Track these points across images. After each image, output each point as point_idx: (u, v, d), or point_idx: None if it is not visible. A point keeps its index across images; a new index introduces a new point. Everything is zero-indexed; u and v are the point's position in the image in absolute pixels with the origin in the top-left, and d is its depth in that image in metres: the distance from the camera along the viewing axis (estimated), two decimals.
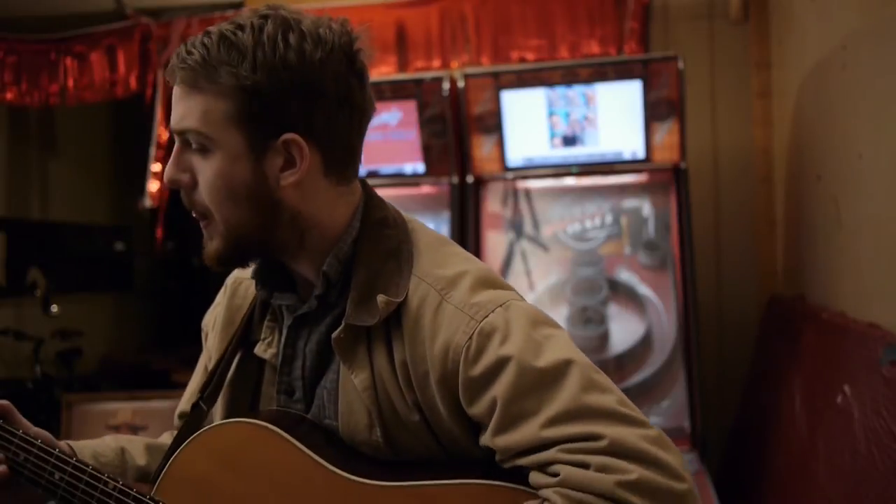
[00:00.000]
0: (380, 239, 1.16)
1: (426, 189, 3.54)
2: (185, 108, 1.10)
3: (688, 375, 3.06)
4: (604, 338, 3.24)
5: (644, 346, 3.20)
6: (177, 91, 1.11)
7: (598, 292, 3.29)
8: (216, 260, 1.14)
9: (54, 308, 4.68)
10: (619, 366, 3.21)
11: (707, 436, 3.04)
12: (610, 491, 0.94)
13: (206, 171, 1.10)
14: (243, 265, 1.19)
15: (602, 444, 0.96)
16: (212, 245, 1.13)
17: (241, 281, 1.29)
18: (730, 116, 3.76)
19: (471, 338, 1.04)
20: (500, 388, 1.02)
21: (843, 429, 2.17)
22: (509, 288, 1.14)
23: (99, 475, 1.14)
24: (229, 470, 1.13)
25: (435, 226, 3.48)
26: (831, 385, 2.34)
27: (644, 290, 3.26)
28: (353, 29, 1.13)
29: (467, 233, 3.37)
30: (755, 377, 3.43)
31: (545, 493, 0.98)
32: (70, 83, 4.17)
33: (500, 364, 1.02)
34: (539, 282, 3.36)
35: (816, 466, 2.34)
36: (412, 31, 3.82)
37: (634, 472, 0.95)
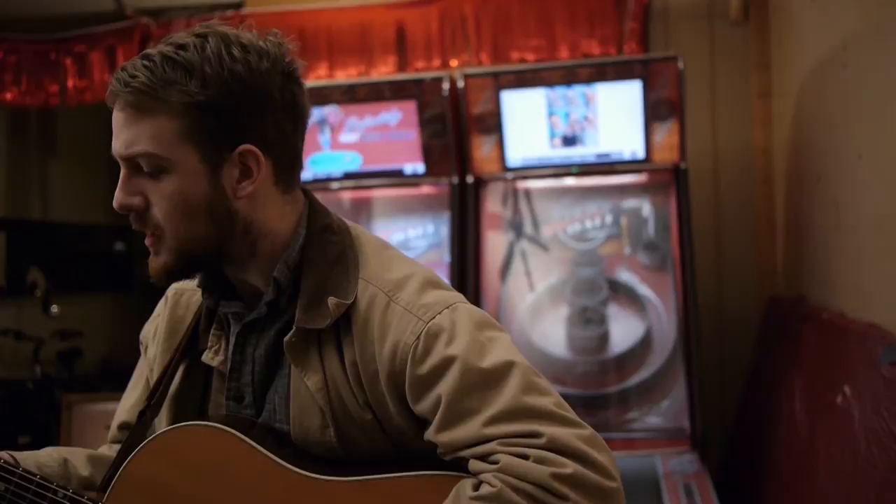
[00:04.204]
0: (326, 245, 1.18)
1: (426, 189, 3.54)
2: (132, 134, 1.10)
3: (688, 375, 3.06)
4: (604, 338, 3.24)
5: (644, 346, 3.20)
6: (120, 117, 1.11)
7: (598, 292, 3.29)
8: (164, 274, 1.15)
9: (54, 308, 4.68)
10: (619, 366, 3.21)
11: (707, 436, 3.04)
12: (545, 481, 0.99)
13: (163, 191, 1.11)
14: (191, 277, 1.20)
15: (541, 440, 1.02)
16: (158, 260, 1.14)
17: (183, 292, 1.30)
18: (730, 116, 3.76)
19: (418, 338, 1.08)
20: (444, 387, 1.06)
21: (843, 429, 2.17)
22: (453, 290, 1.17)
23: (47, 484, 1.13)
24: (184, 472, 1.13)
25: (435, 226, 3.48)
26: (831, 385, 2.34)
27: (644, 290, 3.26)
28: (285, 40, 1.16)
29: (467, 233, 3.37)
30: (755, 377, 3.43)
31: (484, 476, 1.03)
32: (70, 83, 4.17)
33: (446, 364, 1.06)
34: (539, 282, 3.36)
35: (816, 466, 2.34)
36: (412, 31, 3.82)
37: (570, 466, 1.00)
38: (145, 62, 1.09)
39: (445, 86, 3.30)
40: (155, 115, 1.08)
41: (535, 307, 3.34)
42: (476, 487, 1.03)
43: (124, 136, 1.11)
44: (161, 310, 1.32)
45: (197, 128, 1.09)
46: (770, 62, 3.66)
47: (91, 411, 3.51)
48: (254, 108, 1.11)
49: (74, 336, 4.87)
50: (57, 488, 1.13)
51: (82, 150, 5.70)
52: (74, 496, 1.13)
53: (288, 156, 1.17)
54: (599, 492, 1.00)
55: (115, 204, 1.13)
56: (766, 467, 2.85)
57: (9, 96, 4.25)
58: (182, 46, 1.10)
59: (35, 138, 5.41)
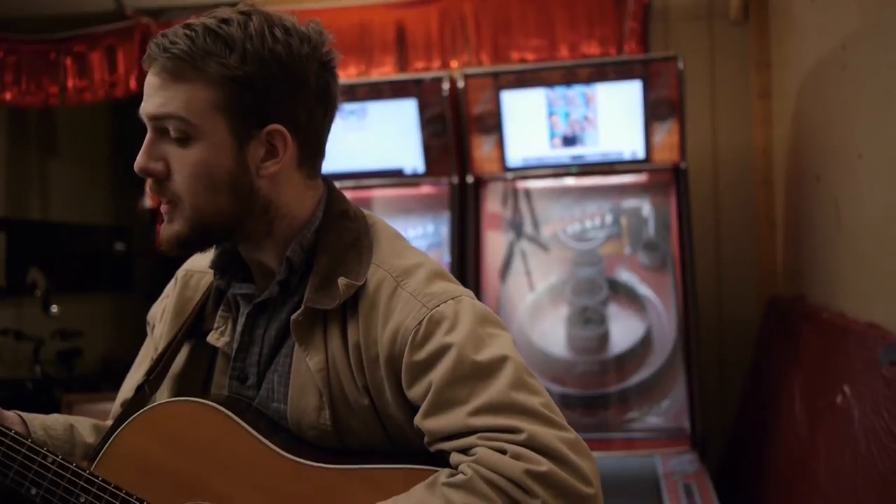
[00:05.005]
0: (341, 229, 1.19)
1: (426, 189, 3.54)
2: (166, 96, 1.10)
3: (688, 375, 3.06)
4: (604, 338, 3.24)
5: (644, 346, 3.20)
6: (155, 80, 1.11)
7: (598, 292, 3.29)
8: (177, 243, 1.14)
9: (54, 308, 4.68)
10: (619, 366, 3.21)
11: (707, 436, 3.04)
12: (518, 476, 0.99)
13: (186, 159, 1.11)
14: (202, 250, 1.20)
15: (520, 437, 1.02)
16: (172, 228, 1.14)
17: (193, 273, 1.30)
18: (730, 116, 3.76)
19: (420, 323, 1.09)
20: (437, 374, 1.07)
21: (843, 429, 2.17)
22: (460, 285, 1.19)
23: (38, 448, 1.13)
24: (173, 447, 1.13)
25: (435, 226, 3.48)
26: (831, 385, 2.34)
27: (644, 290, 3.26)
28: (326, 30, 1.17)
29: (467, 233, 3.37)
30: (755, 377, 3.43)
31: (461, 467, 1.04)
32: (70, 83, 4.17)
33: (442, 351, 1.07)
34: (539, 282, 3.36)
35: (816, 466, 2.34)
36: (412, 31, 3.82)
37: (545, 465, 1.00)
38: (187, 31, 1.10)
39: (445, 86, 3.30)
40: (191, 82, 1.09)
41: (535, 307, 3.34)
42: (451, 475, 1.04)
43: (157, 98, 1.10)
44: (170, 290, 1.33)
45: (230, 101, 1.09)
46: (770, 62, 3.66)
47: (91, 411, 3.51)
48: (288, 91, 1.12)
49: (74, 336, 4.87)
50: (47, 453, 1.13)
51: (82, 150, 5.71)
52: (63, 462, 1.13)
53: (314, 142, 1.18)
54: (573, 495, 1.00)
55: (136, 167, 1.13)
56: (766, 467, 2.85)
57: (9, 96, 4.25)
58: (225, 20, 1.10)
59: (35, 138, 5.40)
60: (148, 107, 1.11)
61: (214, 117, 1.10)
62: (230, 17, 1.11)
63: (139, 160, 1.12)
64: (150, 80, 1.11)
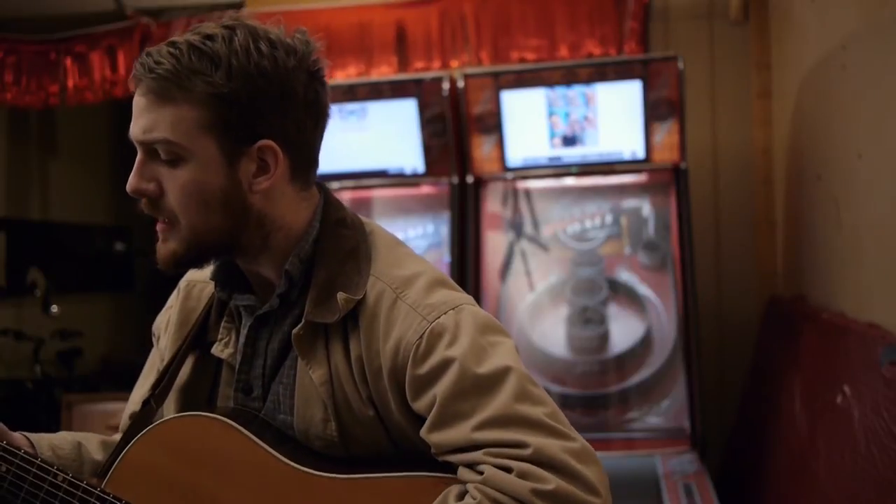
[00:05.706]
0: (339, 239, 1.18)
1: (426, 189, 3.54)
2: (152, 119, 1.09)
3: (688, 375, 3.06)
4: (604, 338, 3.24)
5: (644, 346, 3.20)
6: (141, 101, 1.10)
7: (598, 292, 3.29)
8: (173, 262, 1.14)
9: (54, 308, 4.69)
10: (619, 366, 3.21)
11: (707, 436, 3.04)
12: (525, 496, 0.99)
13: (178, 180, 1.10)
14: (199, 267, 1.20)
15: (526, 451, 1.01)
16: (167, 247, 1.14)
17: (195, 283, 1.30)
18: (730, 116, 3.76)
19: (421, 337, 1.09)
20: (440, 388, 1.07)
21: (843, 429, 2.17)
22: (461, 291, 1.18)
23: (48, 467, 1.13)
24: (183, 462, 1.14)
25: (435, 226, 3.48)
26: (831, 385, 2.34)
27: (644, 290, 3.26)
28: (312, 38, 1.16)
29: (467, 233, 3.37)
30: (755, 377, 3.43)
31: (469, 486, 1.04)
32: (70, 83, 4.18)
33: (445, 365, 1.07)
34: (539, 282, 3.36)
35: (816, 466, 2.34)
36: (412, 31, 3.82)
37: (552, 482, 1.00)
38: (171, 49, 1.09)
39: (445, 86, 3.30)
40: (177, 102, 1.08)
41: (535, 307, 3.34)
42: (460, 496, 1.04)
43: (143, 120, 1.10)
44: (173, 301, 1.33)
45: (218, 119, 1.09)
46: (770, 62, 3.66)
47: (91, 411, 3.51)
48: (276, 105, 1.11)
49: (74, 336, 4.87)
50: (57, 472, 1.13)
51: (82, 150, 5.71)
52: (73, 480, 1.13)
53: (306, 154, 1.17)
54: None
55: (128, 188, 1.12)
56: (766, 467, 2.85)
57: (9, 96, 4.26)
58: (210, 37, 1.09)
59: (35, 138, 5.41)
60: (136, 130, 1.11)
61: (203, 137, 1.09)
62: (214, 32, 1.10)
63: (131, 182, 1.12)
64: (137, 101, 1.11)
